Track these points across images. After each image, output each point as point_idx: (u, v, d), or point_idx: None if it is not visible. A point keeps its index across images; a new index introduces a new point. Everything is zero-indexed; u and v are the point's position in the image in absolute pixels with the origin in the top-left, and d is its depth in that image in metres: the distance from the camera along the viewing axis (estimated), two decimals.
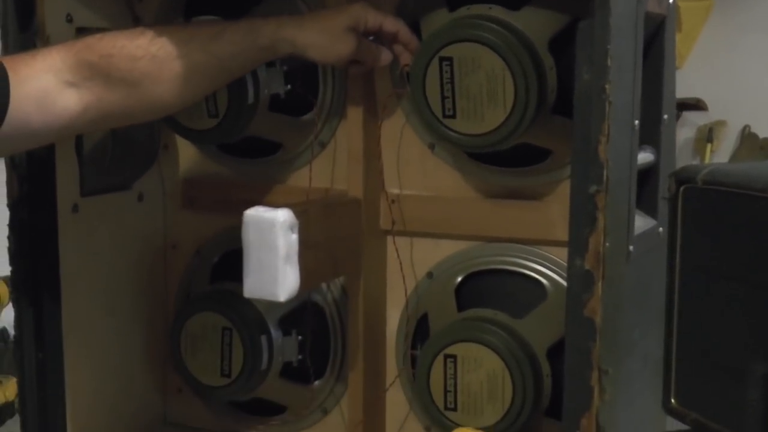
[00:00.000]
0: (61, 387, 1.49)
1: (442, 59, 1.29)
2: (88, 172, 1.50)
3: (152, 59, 1.27)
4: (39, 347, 1.47)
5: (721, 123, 3.42)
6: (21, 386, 1.49)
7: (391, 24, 1.35)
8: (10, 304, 1.60)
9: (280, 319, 1.53)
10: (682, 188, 0.99)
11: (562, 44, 1.29)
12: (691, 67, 3.27)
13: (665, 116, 1.26)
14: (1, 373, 1.82)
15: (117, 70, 1.27)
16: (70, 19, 1.42)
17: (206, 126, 1.47)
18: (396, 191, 1.47)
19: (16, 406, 1.67)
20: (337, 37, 1.32)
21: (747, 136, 3.39)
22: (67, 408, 1.50)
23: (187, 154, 1.64)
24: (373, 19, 1.33)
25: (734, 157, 3.37)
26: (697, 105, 3.34)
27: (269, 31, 1.31)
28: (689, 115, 3.39)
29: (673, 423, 1.05)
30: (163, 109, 1.34)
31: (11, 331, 1.61)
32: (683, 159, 1.10)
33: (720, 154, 3.41)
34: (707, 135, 3.40)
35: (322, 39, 1.32)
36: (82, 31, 1.42)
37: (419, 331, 1.49)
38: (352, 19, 1.32)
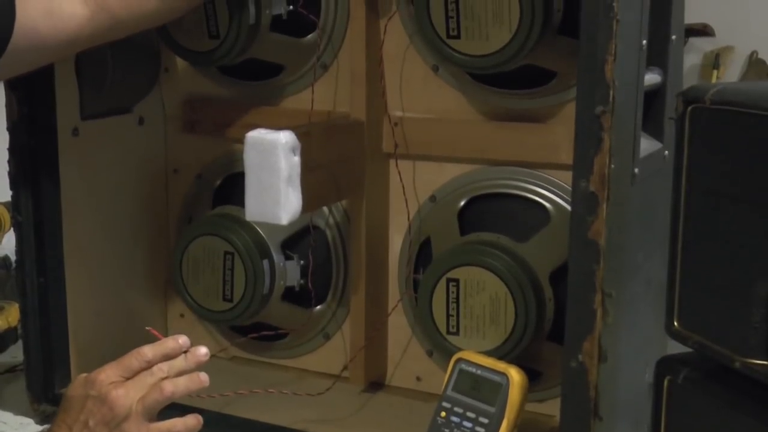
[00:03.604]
0: (63, 312, 1.50)
1: None
2: (88, 96, 1.49)
3: None
4: (40, 271, 1.47)
5: (728, 49, 3.39)
6: (23, 311, 1.50)
7: None
8: (12, 231, 1.60)
9: (282, 243, 1.53)
10: (689, 108, 0.98)
11: None
12: None
13: (673, 37, 1.24)
14: (4, 299, 1.82)
15: None
16: None
17: (207, 47, 1.46)
18: (399, 113, 1.46)
19: (19, 331, 1.67)
20: None
21: (754, 62, 3.36)
22: (69, 333, 1.51)
23: (188, 77, 1.62)
24: None
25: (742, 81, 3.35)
26: (703, 30, 3.31)
27: None
28: (696, 41, 3.36)
29: (675, 346, 1.05)
30: (168, 8, 1.34)
31: (14, 258, 1.61)
32: (689, 85, 1.10)
33: (726, 80, 3.39)
34: (714, 61, 3.37)
35: None
36: None
37: (422, 255, 1.49)
38: None
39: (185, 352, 1.14)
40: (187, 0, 1.35)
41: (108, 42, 1.37)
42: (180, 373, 1.13)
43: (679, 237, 1.00)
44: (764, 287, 0.90)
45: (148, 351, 1.13)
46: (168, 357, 1.13)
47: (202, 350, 1.14)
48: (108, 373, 1.11)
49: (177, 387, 1.11)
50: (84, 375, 1.13)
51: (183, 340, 1.14)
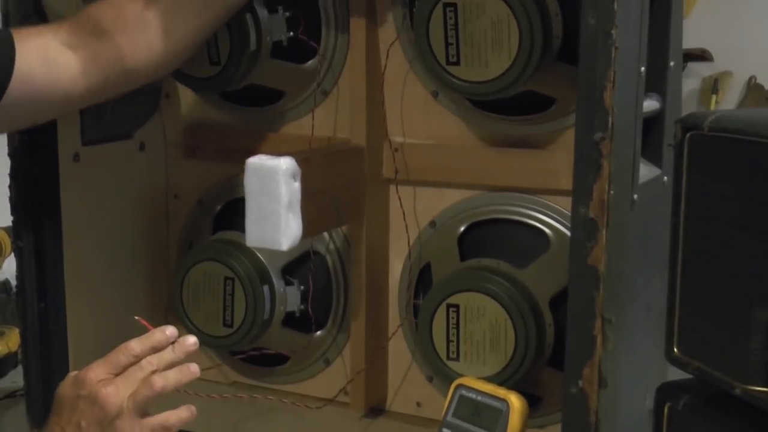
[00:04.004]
0: (63, 336, 1.49)
1: (446, 5, 1.27)
2: (89, 121, 1.49)
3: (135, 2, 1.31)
4: (41, 297, 1.47)
5: (726, 74, 3.40)
6: (23, 336, 1.50)
7: None
8: (12, 255, 1.60)
9: (283, 269, 1.53)
10: (688, 135, 0.99)
11: None
12: (697, 16, 3.25)
13: (672, 63, 1.25)
14: (4, 324, 1.82)
15: (105, 20, 1.29)
16: None
17: (208, 73, 1.46)
18: (399, 139, 1.46)
19: (19, 356, 1.67)
20: None
21: (753, 87, 3.37)
22: (70, 358, 1.50)
23: (188, 102, 1.63)
24: None
25: (740, 109, 3.37)
26: (702, 56, 3.32)
27: None
28: (694, 66, 3.37)
29: (675, 372, 1.05)
30: (157, 60, 1.34)
31: (14, 283, 1.61)
32: (688, 110, 1.10)
33: (725, 105, 3.40)
34: (712, 86, 3.39)
35: None
36: None
37: (422, 280, 1.49)
38: None
39: (173, 343, 1.13)
40: (175, 44, 1.35)
41: (109, 99, 1.38)
42: (169, 366, 1.12)
43: (679, 263, 1.01)
44: (763, 313, 0.90)
45: (136, 345, 1.12)
46: (156, 350, 1.12)
47: (191, 339, 1.13)
48: (96, 372, 1.11)
49: (167, 381, 1.10)
50: (74, 373, 1.13)
51: (170, 331, 1.13)
